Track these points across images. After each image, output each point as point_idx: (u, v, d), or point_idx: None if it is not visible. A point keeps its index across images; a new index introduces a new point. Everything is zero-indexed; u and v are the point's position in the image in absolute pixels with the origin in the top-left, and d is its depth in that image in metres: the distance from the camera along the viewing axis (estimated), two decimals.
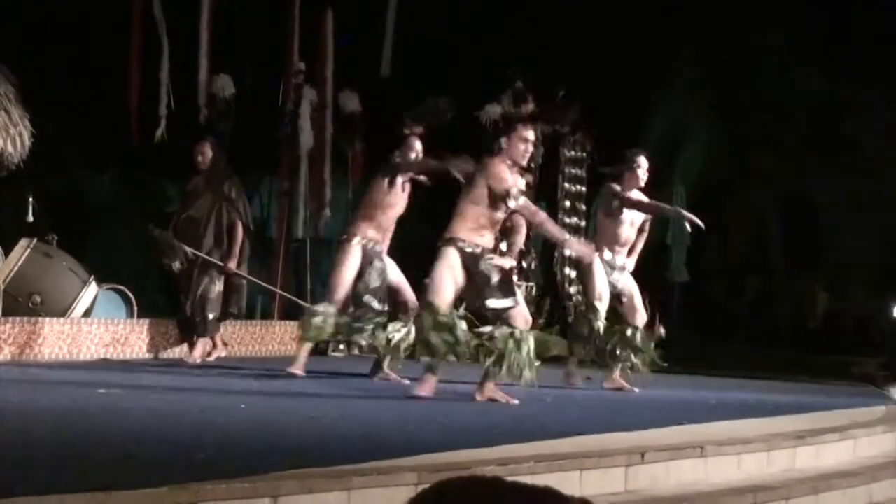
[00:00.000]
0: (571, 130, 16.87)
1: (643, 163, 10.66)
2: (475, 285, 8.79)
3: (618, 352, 10.58)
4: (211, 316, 12.32)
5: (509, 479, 1.57)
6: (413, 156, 10.56)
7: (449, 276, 8.72)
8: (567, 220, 16.92)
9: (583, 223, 15.89)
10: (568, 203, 16.75)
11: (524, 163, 9.27)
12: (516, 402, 8.54)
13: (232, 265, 12.32)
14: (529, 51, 18.03)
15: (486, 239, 8.88)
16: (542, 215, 9.34)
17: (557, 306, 15.89)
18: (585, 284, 10.76)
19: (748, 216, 22.76)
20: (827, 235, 23.18)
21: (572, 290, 15.63)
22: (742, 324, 22.37)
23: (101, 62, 15.45)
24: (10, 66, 12.08)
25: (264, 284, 12.96)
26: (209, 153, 12.40)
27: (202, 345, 12.38)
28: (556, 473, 5.55)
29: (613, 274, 10.64)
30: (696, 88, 22.23)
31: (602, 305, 10.45)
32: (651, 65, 20.84)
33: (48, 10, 16.25)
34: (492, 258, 8.85)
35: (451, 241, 8.76)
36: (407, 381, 9.97)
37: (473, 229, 8.78)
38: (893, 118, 22.05)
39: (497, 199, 8.74)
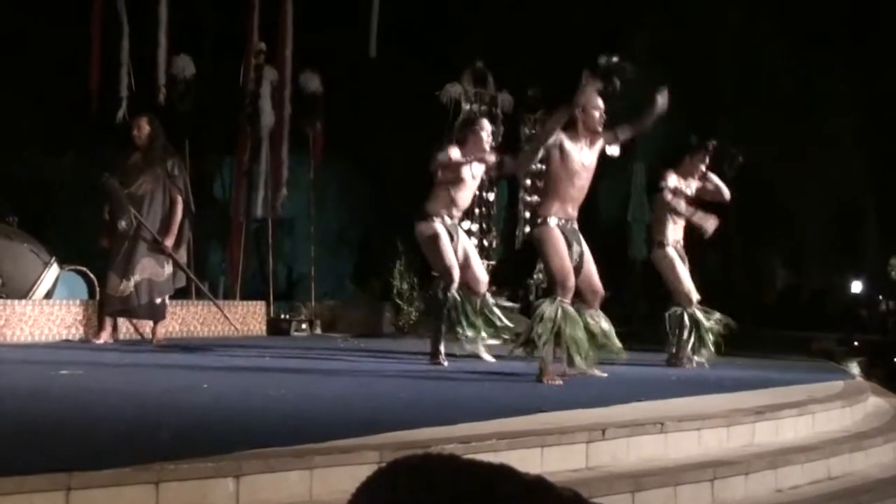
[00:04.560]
0: (531, 109, 16.96)
1: (487, 126, 10.64)
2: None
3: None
4: (158, 300, 12.20)
5: (465, 457, 1.59)
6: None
7: None
8: (528, 198, 17.01)
9: None
10: (528, 182, 16.85)
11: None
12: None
13: (169, 242, 12.09)
14: (487, 31, 18.05)
15: None
16: None
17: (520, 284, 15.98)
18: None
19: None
20: (785, 211, 23.29)
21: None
22: (700, 299, 22.44)
23: (61, 43, 15.37)
24: None
25: (186, 270, 12.80)
26: (146, 128, 12.15)
27: (162, 326, 12.35)
28: (517, 451, 5.60)
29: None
30: (653, 67, 22.26)
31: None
32: (608, 44, 20.88)
33: None
34: None
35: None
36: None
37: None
38: (852, 95, 22.18)
39: None
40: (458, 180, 10.33)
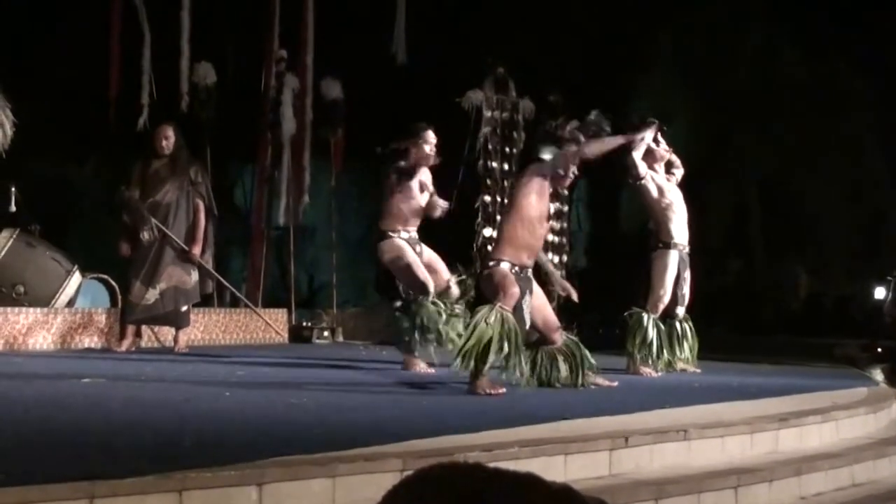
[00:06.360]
0: (552, 115, 16.93)
1: (430, 138, 10.15)
2: None
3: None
4: (184, 308, 12.22)
5: (492, 465, 1.58)
6: None
7: None
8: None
9: (565, 208, 15.92)
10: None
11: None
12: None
13: (197, 250, 12.12)
14: (508, 37, 18.03)
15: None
16: None
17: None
18: None
19: (728, 199, 22.79)
20: (808, 217, 23.20)
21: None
22: (723, 306, 22.38)
23: (81, 50, 15.40)
24: None
25: (218, 277, 12.86)
26: (173, 137, 12.21)
27: (184, 333, 12.36)
28: (540, 458, 5.58)
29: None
30: (675, 73, 22.22)
31: None
32: (630, 49, 20.85)
33: None
34: None
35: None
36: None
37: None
38: (874, 102, 22.08)
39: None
40: (408, 195, 10.10)
